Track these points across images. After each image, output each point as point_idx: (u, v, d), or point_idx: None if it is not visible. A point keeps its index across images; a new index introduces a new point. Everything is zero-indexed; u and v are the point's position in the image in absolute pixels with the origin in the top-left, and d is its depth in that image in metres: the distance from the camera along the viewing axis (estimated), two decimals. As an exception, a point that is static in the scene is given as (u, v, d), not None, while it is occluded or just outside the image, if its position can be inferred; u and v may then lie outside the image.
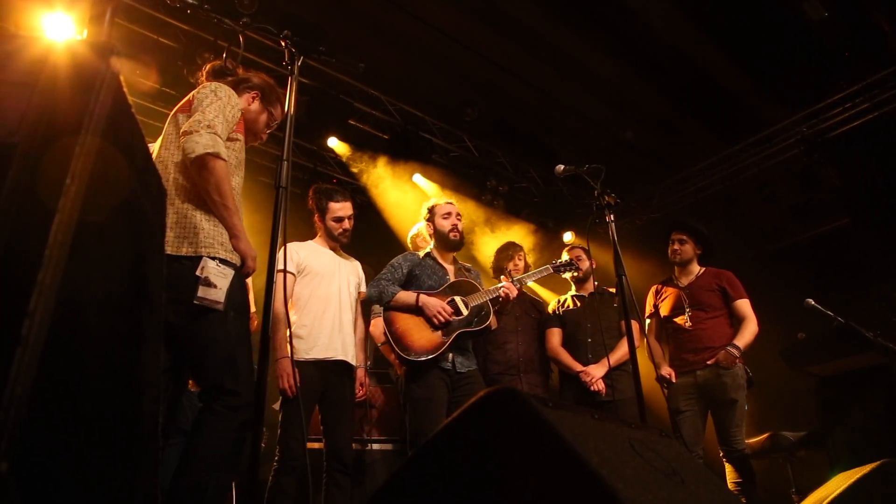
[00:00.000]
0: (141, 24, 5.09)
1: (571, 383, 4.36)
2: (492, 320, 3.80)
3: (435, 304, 3.64)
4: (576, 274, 4.49)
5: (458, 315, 3.69)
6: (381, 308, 4.12)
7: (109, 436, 1.08)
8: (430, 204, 4.06)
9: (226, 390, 2.16)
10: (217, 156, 2.26)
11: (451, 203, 4.03)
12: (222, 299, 2.20)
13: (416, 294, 3.69)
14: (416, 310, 3.66)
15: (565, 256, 4.52)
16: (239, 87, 2.66)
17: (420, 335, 3.62)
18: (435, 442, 1.20)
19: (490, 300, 3.78)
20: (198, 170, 2.26)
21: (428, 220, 4.02)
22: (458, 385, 3.65)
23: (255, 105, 2.70)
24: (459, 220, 3.98)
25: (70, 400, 0.94)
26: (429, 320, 3.64)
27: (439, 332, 3.63)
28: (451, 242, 3.93)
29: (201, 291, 2.16)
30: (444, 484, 1.17)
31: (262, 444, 2.50)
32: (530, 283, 4.26)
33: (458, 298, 3.74)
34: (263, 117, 2.73)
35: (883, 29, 5.39)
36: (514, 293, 3.83)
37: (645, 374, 3.23)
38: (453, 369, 3.64)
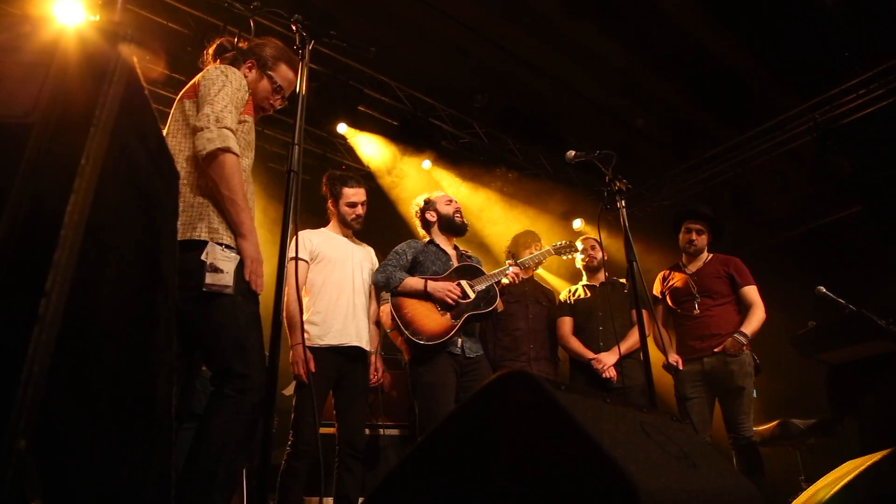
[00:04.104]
0: (150, 9, 5.08)
1: (581, 371, 4.38)
2: (498, 303, 3.88)
3: (444, 286, 3.71)
4: (584, 260, 4.58)
5: (465, 298, 3.74)
6: (389, 294, 4.12)
7: (124, 416, 1.09)
8: (425, 197, 4.15)
9: (236, 374, 2.16)
10: (227, 150, 2.25)
11: (446, 193, 4.18)
12: (231, 283, 2.20)
13: (423, 280, 3.74)
14: (424, 295, 3.71)
15: (580, 245, 4.63)
16: (236, 62, 2.64)
17: (429, 319, 3.66)
18: (447, 424, 1.21)
19: (496, 283, 3.86)
20: (208, 165, 2.26)
21: (426, 210, 4.09)
22: (467, 370, 3.69)
23: (252, 74, 2.65)
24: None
25: (85, 380, 0.94)
26: (438, 304, 3.70)
27: (448, 316, 3.68)
28: (458, 226, 4.03)
29: (209, 278, 2.16)
30: (457, 466, 1.17)
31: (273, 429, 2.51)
32: (541, 272, 4.32)
33: (464, 283, 3.80)
34: (263, 83, 2.65)
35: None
36: (519, 275, 3.93)
37: (654, 361, 3.23)
38: (462, 354, 3.69)
